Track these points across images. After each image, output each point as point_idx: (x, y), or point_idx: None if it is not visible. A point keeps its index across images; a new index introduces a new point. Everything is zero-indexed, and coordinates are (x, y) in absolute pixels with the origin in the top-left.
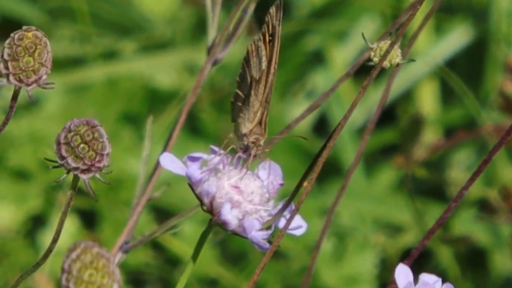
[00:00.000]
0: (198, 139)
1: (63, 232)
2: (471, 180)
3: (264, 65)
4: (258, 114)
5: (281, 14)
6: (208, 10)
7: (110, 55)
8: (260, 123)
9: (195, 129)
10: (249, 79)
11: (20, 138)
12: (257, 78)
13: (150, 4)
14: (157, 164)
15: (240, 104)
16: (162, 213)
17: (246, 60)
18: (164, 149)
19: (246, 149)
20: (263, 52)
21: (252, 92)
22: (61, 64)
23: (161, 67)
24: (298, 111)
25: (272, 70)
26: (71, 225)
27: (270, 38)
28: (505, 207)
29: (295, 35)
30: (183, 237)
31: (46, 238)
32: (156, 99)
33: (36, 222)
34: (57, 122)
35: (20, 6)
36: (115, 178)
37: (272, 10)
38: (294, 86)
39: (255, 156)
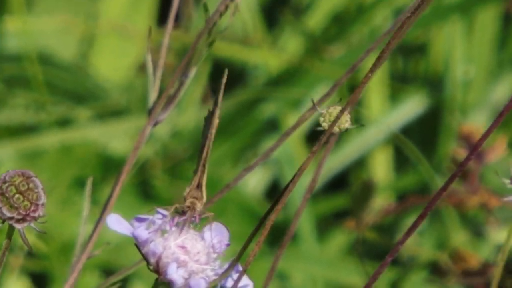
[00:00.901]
0: (151, 204)
1: None
2: (408, 234)
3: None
4: (196, 178)
5: (219, 104)
6: (149, 74)
7: (64, 123)
8: (197, 186)
9: (148, 195)
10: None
11: None
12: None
13: (106, 72)
14: (98, 222)
15: None
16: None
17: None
18: (104, 208)
19: (185, 211)
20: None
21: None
22: (15, 132)
23: (115, 134)
24: (251, 178)
25: (209, 136)
26: (23, 287)
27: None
28: (456, 270)
29: (250, 103)
30: None
31: None
32: (110, 166)
33: None
34: None
35: None
36: (66, 242)
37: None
38: (248, 153)
39: (195, 217)
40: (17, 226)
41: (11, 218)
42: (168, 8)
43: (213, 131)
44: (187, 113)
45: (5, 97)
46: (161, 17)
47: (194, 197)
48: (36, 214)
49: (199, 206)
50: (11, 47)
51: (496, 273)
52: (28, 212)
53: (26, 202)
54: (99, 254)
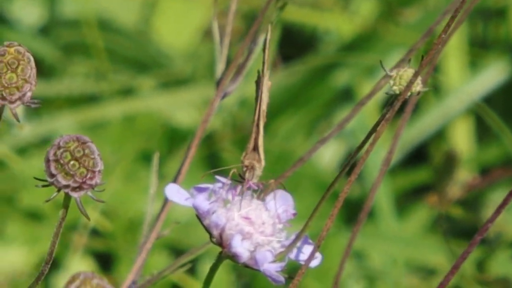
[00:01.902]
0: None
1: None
2: (497, 212)
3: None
4: (250, 140)
5: (268, 38)
6: (216, 42)
7: (127, 92)
8: (254, 148)
9: (215, 166)
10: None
11: (30, 178)
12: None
13: (169, 39)
14: (166, 201)
15: None
16: (181, 254)
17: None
18: (175, 181)
19: (242, 175)
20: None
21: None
22: (76, 102)
23: (180, 105)
24: (325, 150)
25: (263, 97)
26: (86, 267)
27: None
28: None
29: (322, 70)
30: (201, 277)
31: (59, 281)
32: (176, 138)
33: (52, 266)
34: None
35: (33, 42)
36: (132, 220)
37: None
38: (321, 124)
39: (258, 185)
40: (73, 194)
41: (66, 186)
42: None
43: (265, 90)
44: (252, 82)
45: (64, 65)
46: None
47: (251, 164)
48: (93, 182)
49: (258, 167)
50: (69, 12)
51: None
52: (84, 179)
53: (82, 169)
54: (168, 234)
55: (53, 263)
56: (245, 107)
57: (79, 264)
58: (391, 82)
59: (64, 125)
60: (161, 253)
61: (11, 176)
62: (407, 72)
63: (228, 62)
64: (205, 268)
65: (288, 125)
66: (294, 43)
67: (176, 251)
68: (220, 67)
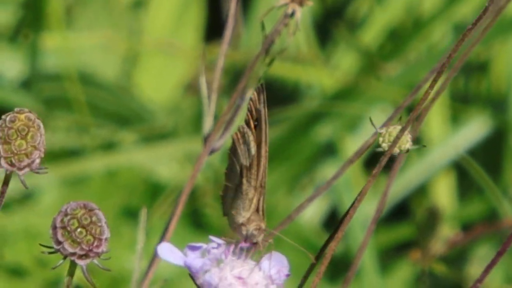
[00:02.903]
0: (203, 234)
1: None
2: (486, 272)
3: (253, 150)
4: (254, 201)
5: (265, 97)
6: (204, 97)
7: (108, 147)
8: (257, 210)
9: (200, 224)
10: (238, 169)
11: (14, 234)
12: (248, 164)
13: (151, 93)
14: (154, 257)
15: (231, 196)
16: None
17: (233, 150)
18: (161, 240)
19: (247, 238)
20: (251, 138)
21: (244, 180)
22: (57, 156)
23: (162, 159)
24: (307, 207)
25: (263, 153)
26: None
27: (256, 123)
28: None
29: (304, 124)
30: None
31: None
32: (158, 192)
33: None
34: (53, 217)
35: (14, 95)
36: (115, 276)
37: (254, 94)
38: (303, 179)
39: (258, 244)
40: (80, 262)
41: (73, 254)
42: (214, 23)
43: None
44: (228, 134)
45: (45, 119)
46: (208, 34)
47: (257, 221)
48: (99, 250)
49: (261, 234)
50: (50, 66)
51: None
52: (91, 247)
53: (89, 237)
54: None
55: None
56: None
57: None
58: (380, 139)
59: (45, 180)
60: None
61: None
62: (396, 129)
63: (214, 117)
64: None
65: (270, 180)
66: (276, 98)
67: None
68: (208, 122)
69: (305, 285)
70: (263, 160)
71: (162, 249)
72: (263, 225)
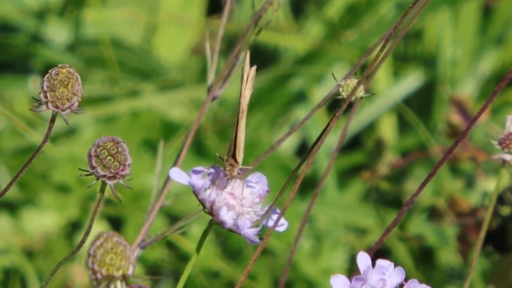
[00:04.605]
0: (203, 160)
1: (94, 232)
2: (420, 189)
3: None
4: (231, 149)
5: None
6: (208, 58)
7: (133, 94)
8: (233, 155)
9: (201, 152)
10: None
11: (61, 160)
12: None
13: (165, 54)
14: (168, 178)
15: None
16: (175, 219)
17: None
18: (173, 165)
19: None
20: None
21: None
22: (94, 102)
23: (173, 104)
24: (285, 140)
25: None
26: (101, 228)
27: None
28: (451, 213)
29: (281, 79)
30: (191, 237)
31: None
32: (170, 129)
33: (74, 227)
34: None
35: (62, 56)
36: (137, 191)
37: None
38: (280, 119)
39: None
40: (109, 182)
41: (104, 176)
42: (213, 2)
43: (247, 94)
44: (231, 86)
45: (85, 74)
46: (209, 10)
47: (231, 165)
48: (124, 173)
49: (235, 171)
50: (90, 34)
51: (486, 215)
52: (117, 171)
53: (116, 163)
54: (169, 204)
55: (76, 225)
56: (223, 106)
57: (96, 226)
58: (341, 89)
59: (85, 119)
60: (158, 217)
61: (45, 158)
62: (352, 82)
63: (216, 73)
64: (193, 230)
65: (256, 120)
66: (260, 58)
67: (170, 216)
68: (211, 76)
69: (281, 199)
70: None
71: (173, 172)
72: (233, 168)
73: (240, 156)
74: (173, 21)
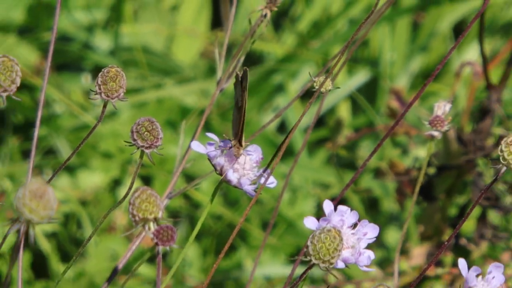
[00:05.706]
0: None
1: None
2: (370, 155)
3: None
4: (237, 138)
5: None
6: (216, 59)
7: (158, 87)
8: (239, 141)
9: (208, 129)
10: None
11: (106, 134)
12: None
13: (181, 57)
14: (188, 148)
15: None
16: (191, 177)
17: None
18: (192, 139)
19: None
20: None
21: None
22: (129, 92)
23: (188, 94)
24: (268, 120)
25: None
26: (136, 184)
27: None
28: (391, 172)
29: (266, 74)
30: (201, 191)
31: (122, 192)
32: (185, 112)
33: (116, 183)
34: (127, 125)
35: (105, 59)
36: (165, 158)
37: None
38: (265, 105)
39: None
40: (146, 151)
41: (142, 146)
42: (215, 19)
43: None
44: (231, 80)
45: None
46: (212, 23)
47: (238, 147)
48: (157, 144)
49: (241, 151)
50: (125, 43)
51: (419, 174)
52: (152, 142)
53: (151, 137)
54: (189, 166)
55: (118, 182)
56: (224, 96)
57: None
58: (314, 83)
59: (122, 105)
60: (180, 177)
61: (94, 133)
62: (323, 78)
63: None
64: (204, 185)
65: (247, 106)
66: (250, 60)
67: (185, 175)
68: (219, 73)
69: (270, 165)
70: (243, 98)
71: (194, 144)
72: (238, 149)
73: (243, 141)
74: (187, 33)
